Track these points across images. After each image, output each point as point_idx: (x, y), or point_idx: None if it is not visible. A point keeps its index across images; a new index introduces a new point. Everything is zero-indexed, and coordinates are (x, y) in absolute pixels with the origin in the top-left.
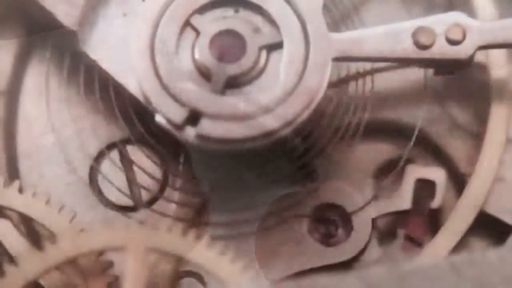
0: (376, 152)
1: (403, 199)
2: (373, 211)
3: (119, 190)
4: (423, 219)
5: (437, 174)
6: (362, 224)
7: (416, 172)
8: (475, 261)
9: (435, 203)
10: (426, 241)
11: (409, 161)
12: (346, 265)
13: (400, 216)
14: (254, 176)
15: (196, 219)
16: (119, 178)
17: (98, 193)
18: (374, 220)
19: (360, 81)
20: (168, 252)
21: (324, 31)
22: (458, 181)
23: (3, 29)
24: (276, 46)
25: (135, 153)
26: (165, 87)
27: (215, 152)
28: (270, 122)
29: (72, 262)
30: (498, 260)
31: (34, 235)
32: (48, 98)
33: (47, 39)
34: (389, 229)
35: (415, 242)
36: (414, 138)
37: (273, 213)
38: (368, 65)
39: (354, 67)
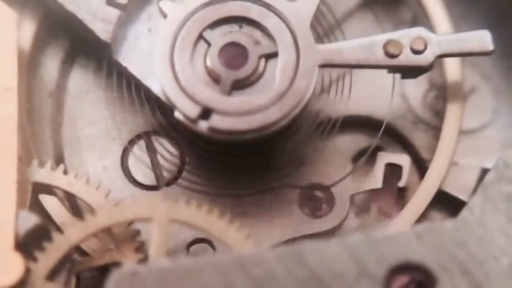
0: (353, 141)
1: (376, 179)
2: (351, 189)
3: (145, 172)
4: (392, 196)
5: (403, 160)
6: (342, 200)
7: (386, 158)
8: (434, 230)
9: (402, 183)
10: (395, 213)
11: (380, 149)
12: (329, 234)
13: (373, 193)
14: (255, 162)
15: (207, 195)
16: (145, 163)
17: (128, 174)
18: (352, 197)
19: (340, 84)
20: (186, 222)
21: (312, 43)
22: (421, 166)
23: (52, 41)
24: (272, 55)
25: (159, 142)
26: (182, 89)
27: (224, 141)
28: (267, 117)
29: (107, 230)
30: (453, 229)
31: (76, 208)
32: (88, 97)
33: (87, 49)
34: (364, 204)
35: (386, 214)
36: (382, 130)
37: (270, 191)
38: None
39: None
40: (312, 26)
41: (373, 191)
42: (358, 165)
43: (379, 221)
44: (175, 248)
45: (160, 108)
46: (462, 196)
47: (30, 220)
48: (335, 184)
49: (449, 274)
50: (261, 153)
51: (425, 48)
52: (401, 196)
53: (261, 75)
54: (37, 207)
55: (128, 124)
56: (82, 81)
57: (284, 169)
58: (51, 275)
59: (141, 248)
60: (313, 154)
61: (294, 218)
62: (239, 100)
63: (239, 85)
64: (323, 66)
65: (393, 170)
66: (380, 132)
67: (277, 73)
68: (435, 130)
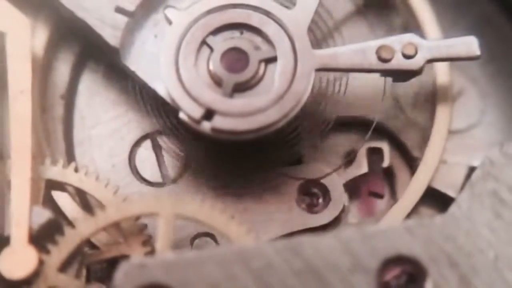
0: (347, 141)
1: (361, 165)
2: (342, 179)
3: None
4: (379, 177)
5: (382, 144)
6: (337, 196)
7: (366, 144)
8: (424, 224)
9: (385, 163)
10: (385, 193)
11: (373, 149)
12: (325, 228)
13: (362, 178)
14: (256, 160)
15: (210, 192)
16: (152, 161)
17: (136, 172)
18: (343, 185)
19: (335, 87)
20: (191, 217)
21: (309, 48)
22: (411, 164)
23: (63, 46)
24: (272, 60)
25: (164, 141)
26: (186, 91)
27: (226, 141)
28: (267, 118)
29: (116, 225)
30: (442, 224)
31: (87, 204)
32: (97, 99)
33: (96, 54)
34: (355, 189)
35: (377, 195)
36: (371, 129)
37: (269, 188)
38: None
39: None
40: (310, 32)
41: (362, 176)
42: (350, 161)
43: (365, 208)
44: (180, 242)
45: (165, 109)
46: (451, 193)
47: (43, 215)
48: (325, 177)
49: (438, 266)
50: (261, 152)
51: (416, 53)
52: (388, 176)
53: (261, 79)
54: (50, 203)
55: (136, 124)
56: (92, 84)
57: (282, 166)
58: (63, 267)
59: (148, 242)
60: (310, 152)
61: (292, 213)
62: (240, 102)
63: (240, 88)
64: (319, 70)
65: (375, 154)
66: (370, 130)
67: (276, 77)
68: (425, 130)
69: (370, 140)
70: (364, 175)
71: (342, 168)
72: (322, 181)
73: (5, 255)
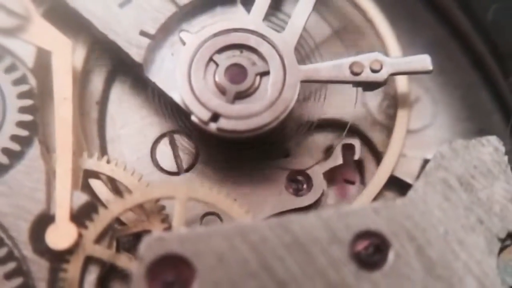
0: (326, 138)
1: (337, 158)
2: (322, 168)
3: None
4: (352, 167)
5: (354, 141)
6: (318, 183)
7: (341, 141)
8: (388, 205)
9: (356, 156)
10: (357, 180)
11: (347, 145)
12: (308, 208)
13: (338, 168)
14: (252, 154)
15: (216, 179)
16: (169, 154)
17: (156, 163)
18: (324, 174)
19: (316, 95)
20: (201, 200)
21: (295, 64)
22: (377, 157)
23: (98, 61)
24: (265, 73)
25: (179, 138)
26: (197, 98)
27: (229, 139)
28: (262, 120)
29: (140, 206)
30: (402, 205)
31: (117, 189)
32: (125, 104)
33: (125, 69)
34: (332, 177)
35: (350, 182)
36: (347, 129)
37: (263, 176)
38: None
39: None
40: (296, 51)
41: (338, 167)
42: (328, 155)
43: (341, 191)
44: (191, 219)
45: (180, 113)
46: (409, 180)
47: (82, 198)
48: (309, 168)
49: (399, 239)
50: (257, 147)
51: (381, 68)
52: (360, 166)
53: (257, 88)
54: (87, 188)
55: (156, 125)
56: (121, 92)
57: (274, 159)
58: (98, 240)
59: (166, 219)
60: (296, 147)
61: (282, 196)
62: (240, 107)
63: (240, 96)
64: (304, 81)
65: (348, 149)
66: (345, 131)
67: (269, 87)
68: (388, 130)
69: (345, 138)
70: (340, 166)
71: (323, 160)
72: (306, 171)
73: (51, 230)
